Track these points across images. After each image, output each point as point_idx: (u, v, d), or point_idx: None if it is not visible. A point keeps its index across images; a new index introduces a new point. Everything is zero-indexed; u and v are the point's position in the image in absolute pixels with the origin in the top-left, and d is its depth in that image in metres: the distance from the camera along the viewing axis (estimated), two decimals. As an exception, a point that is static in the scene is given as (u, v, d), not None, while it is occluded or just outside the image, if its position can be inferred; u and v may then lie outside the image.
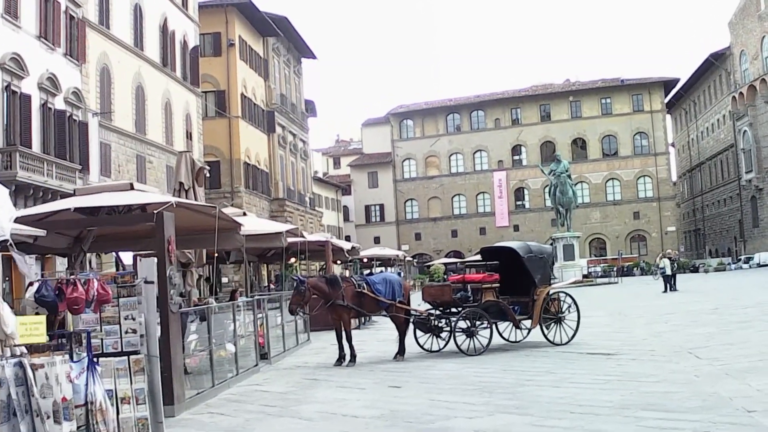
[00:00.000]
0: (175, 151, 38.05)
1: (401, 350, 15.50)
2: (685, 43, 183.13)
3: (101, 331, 7.96)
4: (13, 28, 27.35)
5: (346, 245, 30.36)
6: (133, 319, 8.01)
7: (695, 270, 70.05)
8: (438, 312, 16.17)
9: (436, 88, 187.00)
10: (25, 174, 26.31)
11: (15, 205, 25.30)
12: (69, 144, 30.51)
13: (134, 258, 12.07)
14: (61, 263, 20.82)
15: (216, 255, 22.78)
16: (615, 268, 65.24)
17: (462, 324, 15.48)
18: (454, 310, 15.93)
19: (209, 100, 50.57)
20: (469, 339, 15.32)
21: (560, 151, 73.98)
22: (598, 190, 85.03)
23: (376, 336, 20.96)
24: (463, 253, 79.04)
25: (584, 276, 57.60)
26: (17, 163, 26.01)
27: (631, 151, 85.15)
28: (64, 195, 23.08)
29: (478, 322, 15.48)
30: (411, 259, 73.86)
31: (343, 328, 15.06)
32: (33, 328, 6.57)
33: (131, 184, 12.06)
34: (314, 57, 70.00)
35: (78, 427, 6.66)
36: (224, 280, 45.49)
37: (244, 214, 18.22)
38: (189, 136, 44.39)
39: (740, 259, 71.48)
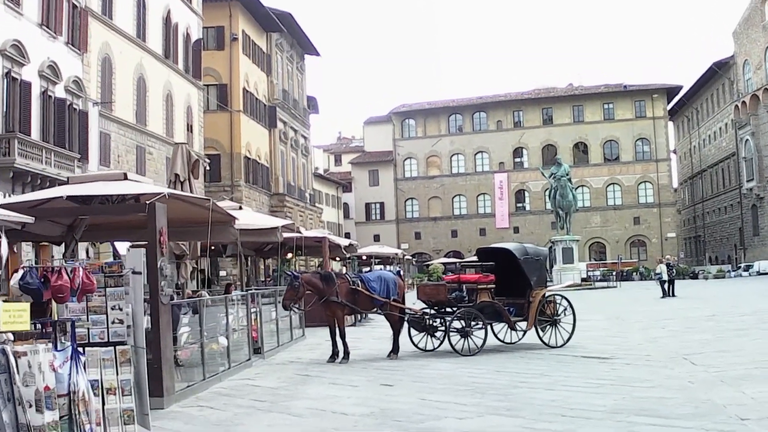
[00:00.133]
0: (186, 143, 37.97)
1: (395, 349, 15.42)
2: (689, 51, 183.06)
3: (88, 320, 7.86)
4: (14, 15, 27.23)
5: (344, 242, 30.24)
6: (120, 309, 7.92)
7: (695, 277, 69.97)
8: (433, 311, 16.08)
9: (439, 88, 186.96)
10: (23, 161, 26.21)
11: (13, 192, 25.30)
12: (68, 132, 30.40)
13: (129, 248, 11.99)
14: (58, 252, 20.77)
15: (212, 248, 22.74)
16: (614, 273, 65.14)
17: (457, 324, 15.40)
18: (449, 309, 15.84)
19: (211, 94, 50.50)
20: (463, 339, 15.24)
21: (562, 155, 73.88)
22: (598, 195, 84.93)
23: (372, 334, 20.86)
24: (462, 254, 78.95)
25: (583, 280, 57.42)
26: (15, 150, 25.90)
27: (632, 156, 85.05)
28: (62, 183, 23.00)
29: (473, 323, 15.40)
30: (410, 257, 73.77)
31: (336, 325, 14.98)
32: (17, 315, 6.47)
33: (125, 174, 11.96)
34: (317, 54, 69.97)
35: (60, 417, 6.56)
36: (222, 273, 45.43)
37: (240, 208, 18.13)
38: (190, 128, 44.30)
39: (740, 267, 71.34)
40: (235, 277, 36.67)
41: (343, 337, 14.94)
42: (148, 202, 10.41)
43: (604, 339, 17.99)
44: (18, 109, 27.16)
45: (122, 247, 15.87)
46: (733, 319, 22.18)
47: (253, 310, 15.74)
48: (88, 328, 7.86)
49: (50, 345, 6.62)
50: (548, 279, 18.22)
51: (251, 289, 17.85)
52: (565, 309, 16.61)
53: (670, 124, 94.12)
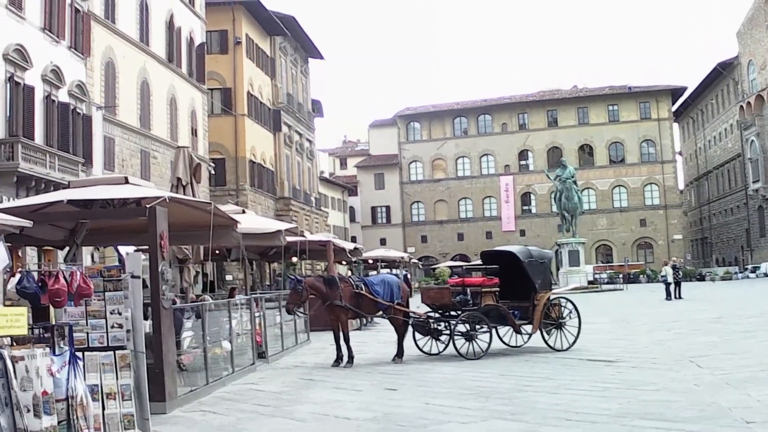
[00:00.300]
0: (188, 147, 37.97)
1: (400, 353, 15.33)
2: (693, 52, 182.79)
3: (87, 325, 7.80)
4: (17, 19, 27.26)
5: (349, 246, 30.17)
6: (120, 313, 7.86)
7: (701, 278, 69.81)
8: (437, 315, 16.00)
9: (444, 91, 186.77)
10: (26, 165, 26.21)
11: (17, 196, 25.29)
12: (72, 137, 30.42)
13: (127, 253, 11.95)
14: (63, 256, 20.77)
15: (217, 252, 22.68)
16: (621, 275, 64.95)
17: (461, 327, 15.33)
18: (453, 313, 15.76)
19: (215, 98, 50.51)
20: (468, 343, 15.16)
21: (567, 157, 73.62)
22: (604, 197, 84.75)
23: (377, 338, 20.79)
24: (469, 257, 78.82)
25: (590, 282, 57.25)
26: (19, 154, 25.91)
27: (638, 158, 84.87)
28: (66, 188, 23.00)
29: (477, 326, 15.32)
30: (416, 261, 73.67)
31: (340, 329, 14.91)
32: (14, 319, 6.41)
33: (126, 178, 11.90)
34: (321, 57, 69.93)
35: (59, 422, 6.50)
36: (229, 277, 45.41)
37: (243, 211, 18.04)
38: (194, 132, 44.31)
39: (747, 269, 71.17)
40: (241, 282, 36.67)
41: (347, 341, 14.87)
42: (148, 206, 10.36)
43: (609, 342, 17.88)
44: (21, 113, 27.17)
45: (126, 251, 15.81)
46: (739, 321, 22.07)
47: (257, 314, 15.68)
48: (88, 333, 7.81)
49: (48, 350, 6.56)
50: (553, 282, 18.08)
51: (252, 293, 17.76)
52: (570, 312, 16.54)
53: (675, 125, 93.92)
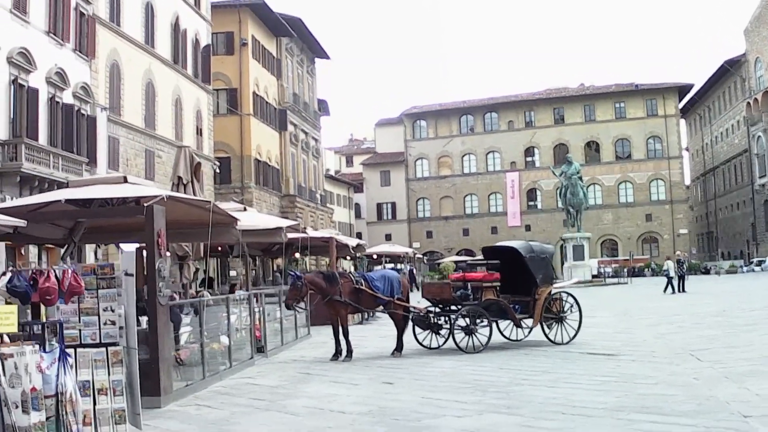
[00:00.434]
0: (189, 146, 38.07)
1: (399, 347, 15.38)
2: (700, 49, 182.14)
3: (80, 322, 7.84)
4: (21, 23, 27.38)
5: (352, 242, 30.21)
6: (113, 310, 7.88)
7: (707, 272, 69.82)
8: (438, 309, 16.03)
9: (450, 89, 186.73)
10: (30, 165, 26.31)
11: (20, 195, 25.38)
12: (76, 137, 30.53)
13: (122, 251, 12.01)
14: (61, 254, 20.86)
15: (219, 249, 22.76)
16: (626, 269, 64.88)
17: (461, 322, 15.34)
18: (454, 308, 15.78)
19: (221, 98, 50.63)
20: (467, 337, 15.17)
21: (573, 154, 73.51)
22: (610, 193, 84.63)
23: (378, 332, 20.77)
24: (474, 252, 78.73)
25: (594, 276, 57.31)
26: (23, 154, 26.01)
27: (644, 154, 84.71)
28: (66, 187, 23.09)
29: (477, 321, 15.34)
30: (421, 256, 73.78)
31: (339, 324, 14.94)
32: (3, 317, 6.45)
33: (125, 177, 11.96)
34: (327, 57, 70.03)
35: (47, 418, 6.54)
36: (233, 273, 45.54)
37: (245, 209, 18.10)
38: (199, 132, 44.44)
39: (752, 262, 71.22)
40: (244, 278, 36.77)
41: (346, 335, 14.91)
42: (145, 204, 10.41)
43: (610, 335, 17.88)
44: (25, 114, 27.28)
45: (129, 249, 15.88)
46: (742, 315, 22.03)
47: (256, 309, 15.72)
48: (80, 330, 7.84)
49: (37, 346, 6.60)
50: (554, 276, 18.06)
51: (252, 289, 17.81)
52: (572, 306, 16.54)
53: (682, 121, 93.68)
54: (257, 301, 15.96)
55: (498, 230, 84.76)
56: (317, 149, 69.56)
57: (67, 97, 30.00)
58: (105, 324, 7.90)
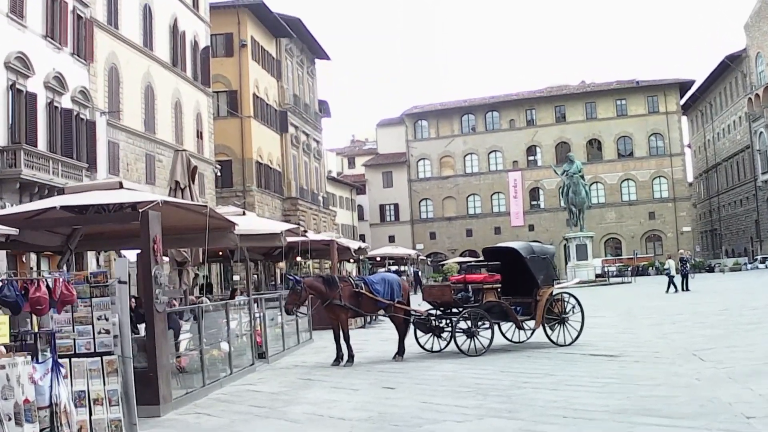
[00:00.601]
0: (186, 150, 37.98)
1: (400, 351, 15.29)
2: (701, 45, 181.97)
3: (74, 331, 7.76)
4: (18, 27, 27.25)
5: (354, 245, 30.12)
6: (107, 319, 7.81)
7: (711, 270, 69.61)
8: (439, 312, 15.93)
9: (451, 89, 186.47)
10: (29, 172, 26.20)
11: (20, 202, 25.28)
12: (76, 142, 30.41)
13: (138, 256, 11.90)
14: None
15: (221, 254, 22.68)
16: (629, 268, 64.62)
17: (463, 324, 15.25)
18: (455, 310, 15.68)
19: (221, 100, 50.49)
20: (469, 340, 15.08)
21: (575, 152, 73.27)
22: (613, 191, 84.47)
23: (380, 335, 20.71)
24: (477, 253, 78.34)
25: (598, 276, 57.03)
26: (22, 160, 25.88)
27: (646, 152, 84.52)
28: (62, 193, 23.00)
29: (479, 323, 15.25)
30: (425, 258, 73.65)
31: (340, 328, 14.85)
32: (-5, 327, 6.37)
33: (120, 183, 11.87)
34: (328, 58, 69.88)
35: (41, 430, 6.46)
36: (236, 278, 45.55)
37: (244, 213, 18.02)
38: (200, 135, 44.32)
39: (756, 259, 70.97)
40: (247, 282, 36.69)
41: (347, 340, 14.82)
42: (140, 210, 10.33)
43: (613, 336, 17.79)
44: (24, 120, 27.15)
45: (131, 255, 15.81)
46: (745, 313, 21.91)
47: (257, 314, 15.64)
48: (74, 339, 7.76)
49: (29, 357, 6.52)
50: (555, 277, 17.98)
51: (256, 294, 17.72)
52: (574, 307, 16.44)
53: (684, 118, 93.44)
54: (258, 306, 15.88)
55: (501, 230, 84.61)
56: (319, 151, 69.42)
57: (65, 102, 29.90)
58: (99, 333, 7.84)
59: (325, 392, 11.65)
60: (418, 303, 17.18)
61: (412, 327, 15.83)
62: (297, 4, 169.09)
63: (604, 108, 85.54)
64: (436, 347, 15.91)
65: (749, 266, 69.02)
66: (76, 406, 7.18)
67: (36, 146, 27.34)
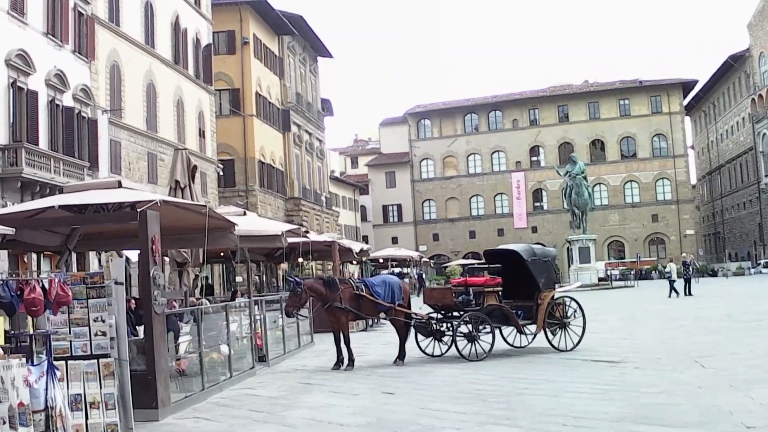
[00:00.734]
0: (187, 148, 37.92)
1: (401, 355, 15.17)
2: (704, 45, 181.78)
3: (70, 333, 7.69)
4: (19, 24, 27.18)
5: (356, 246, 30.00)
6: (103, 321, 7.73)
7: (714, 274, 69.30)
8: (439, 316, 15.83)
9: (454, 88, 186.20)
10: (31, 170, 26.14)
11: (21, 201, 25.21)
12: (78, 141, 30.35)
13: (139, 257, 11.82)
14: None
15: (222, 254, 22.59)
16: (633, 272, 64.37)
17: (464, 328, 15.15)
18: (456, 314, 15.58)
19: (223, 98, 50.36)
20: (470, 344, 14.98)
21: (578, 153, 73.13)
22: (616, 192, 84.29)
23: (381, 339, 20.59)
24: (480, 255, 78.31)
25: (600, 279, 56.61)
26: (23, 159, 25.82)
27: (649, 153, 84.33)
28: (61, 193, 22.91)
29: (480, 327, 15.15)
30: (428, 259, 73.46)
31: (341, 331, 14.76)
32: (-11, 331, 6.30)
33: (119, 182, 11.79)
34: (330, 56, 69.73)
35: (36, 434, 6.39)
36: (238, 279, 45.47)
37: (244, 213, 17.93)
38: (202, 133, 44.25)
39: (759, 264, 70.65)
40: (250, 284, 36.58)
41: (347, 343, 14.72)
42: (139, 210, 10.25)
43: (615, 341, 17.68)
44: (25, 118, 27.08)
45: (133, 255, 15.73)
46: (747, 318, 21.82)
47: (257, 316, 15.54)
48: (71, 341, 7.69)
49: (24, 360, 6.45)
50: (557, 281, 17.87)
51: (257, 296, 17.62)
52: (575, 311, 16.33)
53: (687, 119, 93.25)
54: (258, 308, 15.78)
55: (504, 232, 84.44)
56: (321, 150, 69.25)
57: (67, 100, 29.82)
58: (96, 335, 7.76)
59: (324, 397, 11.58)
60: (419, 306, 17.07)
61: (413, 331, 15.74)
62: (299, 1, 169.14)
63: (607, 108, 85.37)
64: (437, 351, 15.81)
65: (752, 271, 68.74)
66: (71, 410, 7.12)
67: (37, 145, 27.28)
